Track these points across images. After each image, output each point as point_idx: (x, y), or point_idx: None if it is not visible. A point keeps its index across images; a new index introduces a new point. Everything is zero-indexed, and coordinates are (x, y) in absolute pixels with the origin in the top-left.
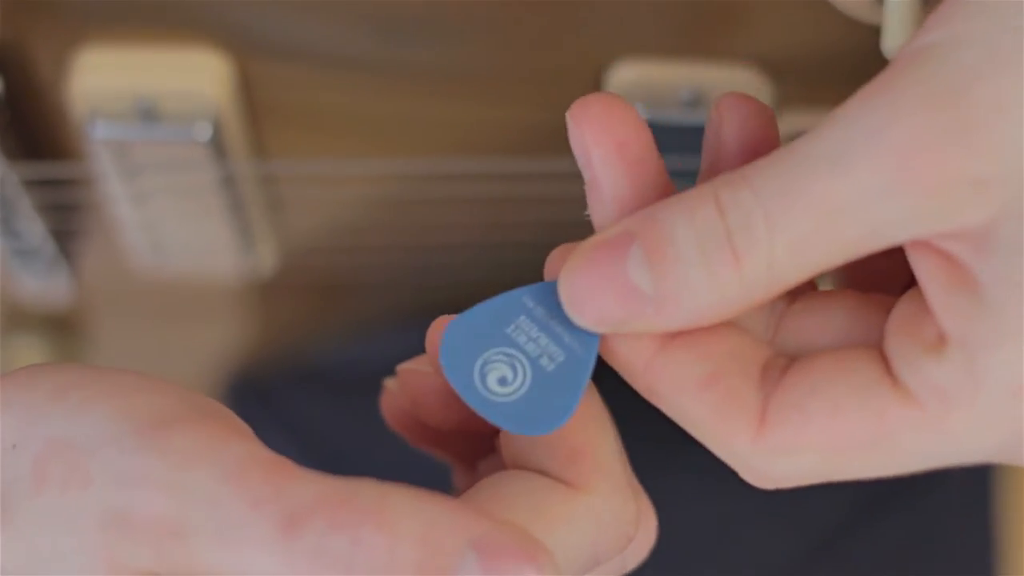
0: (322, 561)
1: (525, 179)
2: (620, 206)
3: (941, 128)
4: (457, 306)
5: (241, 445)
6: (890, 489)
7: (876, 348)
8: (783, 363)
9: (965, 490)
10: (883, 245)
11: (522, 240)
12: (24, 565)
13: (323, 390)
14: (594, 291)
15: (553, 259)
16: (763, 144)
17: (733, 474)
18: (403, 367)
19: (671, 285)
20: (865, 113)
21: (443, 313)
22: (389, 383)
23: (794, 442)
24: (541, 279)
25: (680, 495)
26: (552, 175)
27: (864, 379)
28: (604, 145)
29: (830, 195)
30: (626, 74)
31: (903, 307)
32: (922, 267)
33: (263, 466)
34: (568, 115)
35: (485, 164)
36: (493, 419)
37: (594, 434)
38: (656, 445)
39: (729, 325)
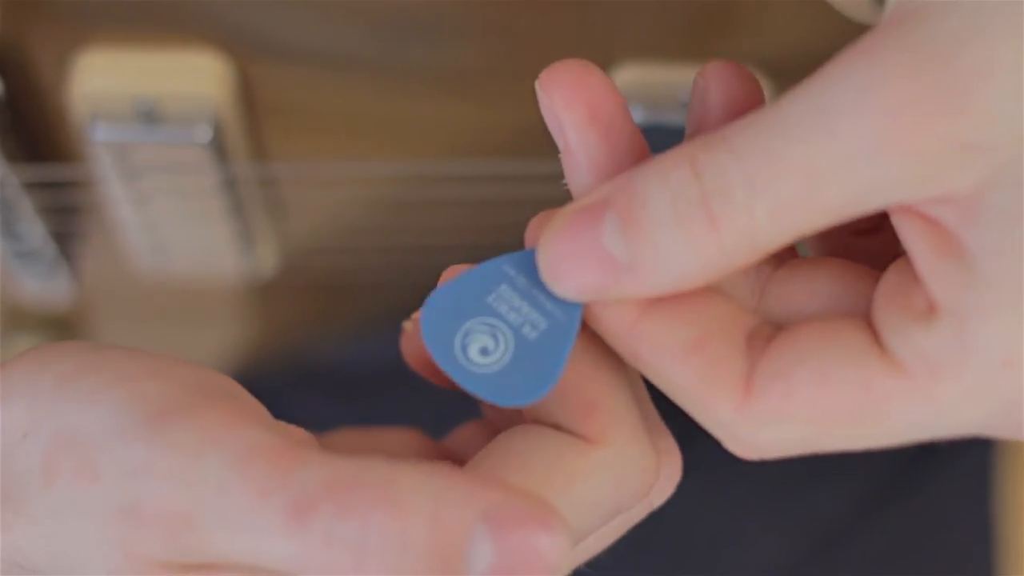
0: (334, 546)
1: (525, 181)
2: (596, 172)
3: (928, 91)
4: None
5: (249, 431)
6: (890, 488)
7: (863, 317)
8: (769, 331)
9: (965, 489)
10: (868, 209)
11: (521, 241)
12: (45, 551)
13: (323, 390)
14: (570, 261)
15: (533, 226)
16: (749, 111)
17: (733, 474)
18: (417, 316)
19: (645, 249)
20: (850, 74)
21: None
22: (407, 324)
23: (779, 411)
24: None
25: (682, 495)
26: (552, 177)
27: (851, 348)
28: (576, 111)
29: (812, 158)
30: (626, 76)
31: (891, 276)
32: (909, 233)
33: (270, 452)
34: (537, 82)
35: (485, 166)
36: (475, 390)
37: (608, 385)
38: None
39: (714, 291)
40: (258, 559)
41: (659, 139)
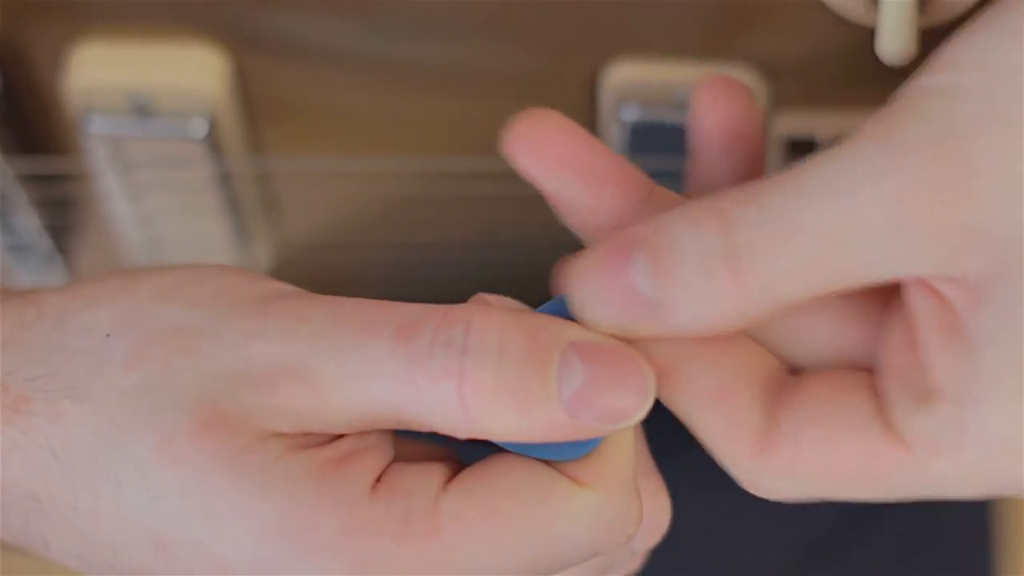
0: (437, 351)
1: (520, 178)
2: (584, 211)
3: (941, 175)
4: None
5: (353, 299)
6: None
7: (868, 378)
8: (784, 377)
9: None
10: (884, 279)
11: (517, 239)
12: (92, 437)
13: None
14: (600, 293)
15: (561, 270)
16: (745, 126)
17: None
18: None
19: (673, 292)
20: (872, 151)
21: None
22: None
23: (789, 470)
24: (537, 277)
25: (680, 495)
26: None
27: (857, 416)
28: (543, 162)
29: (832, 226)
30: (622, 74)
31: (896, 340)
32: (919, 306)
33: (375, 302)
34: (504, 146)
35: (481, 162)
36: (516, 447)
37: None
38: (656, 445)
39: (739, 333)
40: (363, 401)
41: (654, 137)
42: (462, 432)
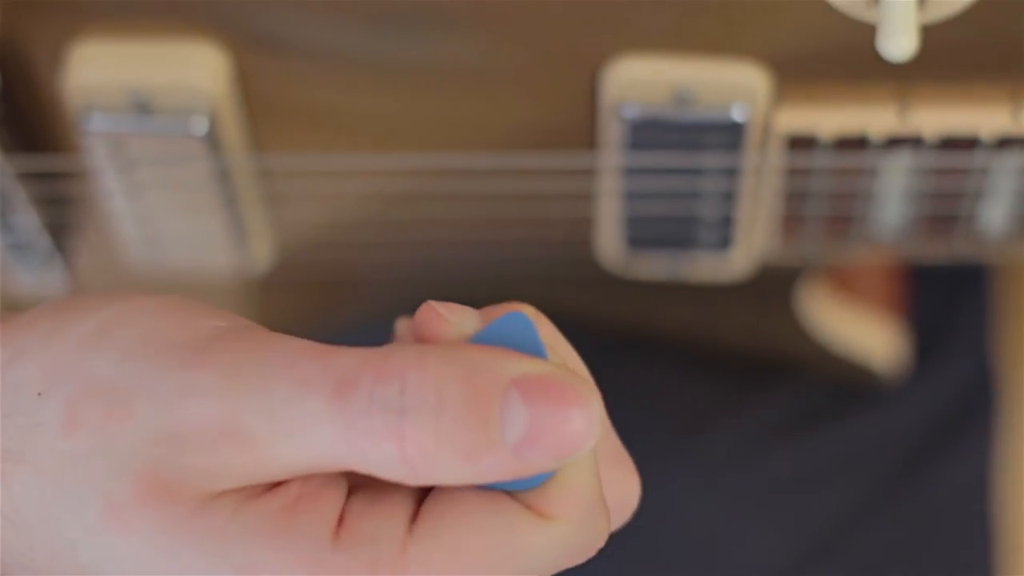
0: (375, 413)
1: (521, 175)
2: None
3: None
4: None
5: (286, 343)
6: (889, 488)
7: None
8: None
9: (965, 489)
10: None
11: (518, 236)
12: (39, 502)
13: None
14: None
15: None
16: None
17: (733, 474)
18: None
19: None
20: None
21: None
22: None
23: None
24: (535, 275)
25: (680, 494)
26: (548, 171)
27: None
28: None
29: None
30: (623, 71)
31: None
32: None
33: (308, 352)
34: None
35: (481, 160)
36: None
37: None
38: (657, 444)
39: None
40: (304, 451)
41: (653, 133)
42: (410, 483)
